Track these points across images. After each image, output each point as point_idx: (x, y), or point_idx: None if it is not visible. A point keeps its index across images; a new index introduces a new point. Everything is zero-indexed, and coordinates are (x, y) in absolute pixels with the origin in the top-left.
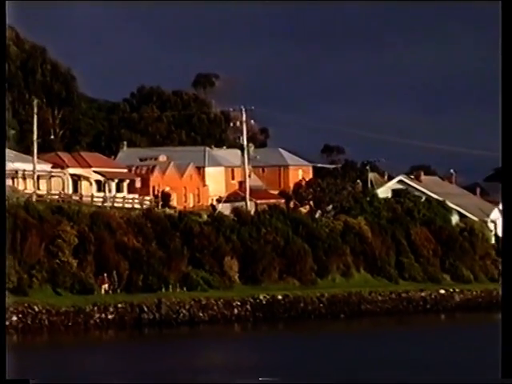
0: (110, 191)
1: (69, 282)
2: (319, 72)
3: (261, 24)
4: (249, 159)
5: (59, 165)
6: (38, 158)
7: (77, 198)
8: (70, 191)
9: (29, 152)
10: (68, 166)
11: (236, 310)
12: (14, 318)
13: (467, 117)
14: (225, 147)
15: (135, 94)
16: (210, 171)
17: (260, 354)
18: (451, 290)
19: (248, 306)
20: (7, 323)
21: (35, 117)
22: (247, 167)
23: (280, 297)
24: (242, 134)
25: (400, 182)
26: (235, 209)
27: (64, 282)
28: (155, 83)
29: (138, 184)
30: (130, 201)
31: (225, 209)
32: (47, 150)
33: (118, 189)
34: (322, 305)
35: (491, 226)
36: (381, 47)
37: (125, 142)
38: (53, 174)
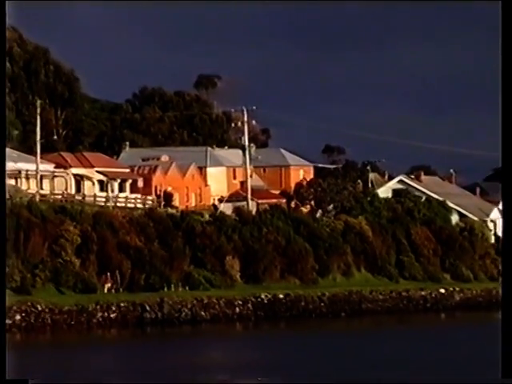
0: (112, 191)
1: (72, 281)
2: (320, 72)
3: (261, 25)
4: (250, 159)
5: (62, 165)
6: (41, 158)
7: (79, 197)
8: (73, 191)
9: (32, 152)
10: (71, 166)
11: (238, 309)
12: (18, 317)
13: (467, 117)
14: (226, 147)
15: (137, 94)
16: (211, 171)
17: (261, 352)
18: (451, 289)
19: (249, 305)
20: (10, 322)
21: (38, 117)
22: (249, 167)
23: (281, 296)
24: (243, 135)
25: (400, 181)
26: (237, 208)
27: (67, 281)
28: (157, 84)
29: (140, 184)
30: (133, 200)
31: (226, 208)
32: (50, 150)
33: (121, 189)
34: (322, 304)
35: (491, 225)
36: (381, 47)
37: (127, 143)
38: (56, 174)
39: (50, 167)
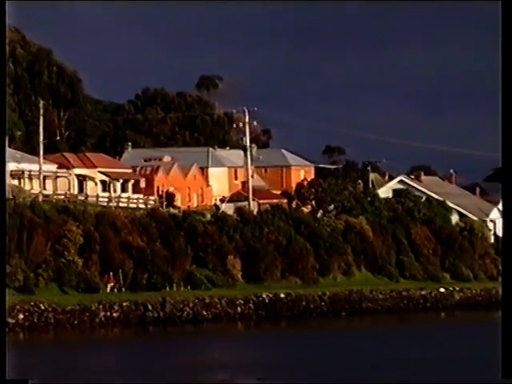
0: (115, 191)
1: (74, 281)
2: (320, 73)
3: (262, 25)
4: (252, 160)
5: (65, 165)
6: (44, 158)
7: (82, 198)
8: (76, 191)
9: (35, 153)
10: (74, 167)
11: (239, 309)
12: (21, 316)
13: (467, 117)
14: (228, 148)
15: (140, 95)
16: (213, 171)
17: (263, 351)
18: (451, 288)
19: (251, 305)
20: (14, 321)
21: (41, 118)
22: (250, 168)
23: (282, 295)
24: (244, 135)
25: (400, 182)
26: (238, 208)
27: (70, 281)
28: (159, 85)
29: (142, 184)
30: (135, 201)
31: (228, 208)
32: (53, 151)
33: (123, 189)
34: (323, 303)
35: (490, 225)
36: (381, 47)
37: (129, 143)
38: (59, 174)
39: (53, 168)
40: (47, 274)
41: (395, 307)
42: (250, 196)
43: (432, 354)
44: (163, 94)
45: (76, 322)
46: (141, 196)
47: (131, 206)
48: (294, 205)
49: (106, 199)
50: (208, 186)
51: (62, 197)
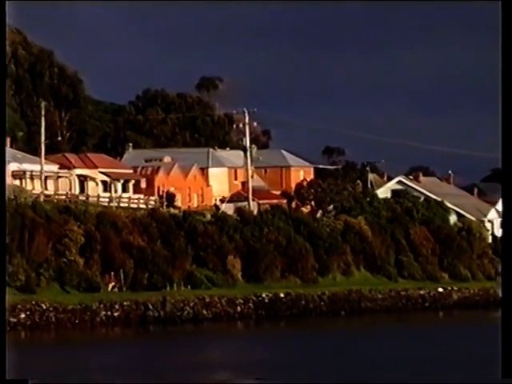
0: (115, 191)
1: (75, 280)
2: (320, 73)
3: (262, 26)
4: (251, 160)
5: (66, 166)
6: (45, 159)
7: (83, 198)
8: (77, 191)
9: (36, 153)
10: (75, 167)
11: (239, 308)
12: (22, 316)
13: (466, 118)
14: (228, 148)
15: (140, 96)
16: (213, 172)
17: (262, 350)
18: (449, 288)
19: (251, 304)
20: (15, 320)
21: (43, 119)
22: (250, 168)
23: (282, 295)
24: (244, 136)
25: (399, 182)
26: (238, 209)
27: (71, 280)
28: (160, 86)
29: (143, 184)
30: (136, 201)
31: (228, 209)
32: (54, 151)
33: (124, 189)
34: (323, 303)
35: (488, 225)
36: (381, 47)
37: (130, 144)
38: (60, 174)
39: (55, 168)
40: (48, 273)
41: (394, 307)
42: (250, 196)
43: (431, 353)
44: (164, 95)
45: (77, 321)
46: (141, 196)
47: (132, 206)
48: (293, 205)
49: (107, 199)
50: (208, 186)
51: (64, 197)
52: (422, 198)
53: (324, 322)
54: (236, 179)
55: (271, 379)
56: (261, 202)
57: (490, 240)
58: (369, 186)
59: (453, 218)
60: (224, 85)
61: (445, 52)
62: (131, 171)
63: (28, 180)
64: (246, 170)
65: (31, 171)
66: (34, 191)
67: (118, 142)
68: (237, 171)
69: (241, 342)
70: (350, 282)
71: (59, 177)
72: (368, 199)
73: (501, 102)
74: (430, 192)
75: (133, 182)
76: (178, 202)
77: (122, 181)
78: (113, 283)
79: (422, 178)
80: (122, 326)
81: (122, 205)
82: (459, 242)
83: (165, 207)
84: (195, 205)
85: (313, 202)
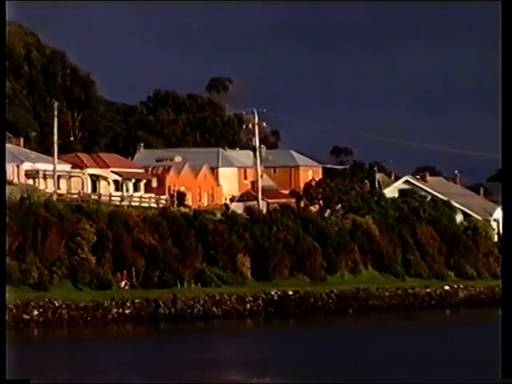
0: (127, 191)
1: (88, 278)
2: (328, 75)
3: (271, 28)
4: (261, 160)
5: (78, 165)
6: (58, 158)
7: (95, 197)
8: (89, 191)
9: (49, 153)
10: (87, 167)
11: (248, 305)
12: (35, 313)
13: (471, 118)
14: (238, 148)
15: (152, 97)
16: (223, 171)
17: (271, 347)
18: (455, 286)
19: (260, 302)
20: (28, 317)
21: (55, 119)
22: (259, 168)
23: (291, 292)
24: (254, 136)
25: (406, 182)
26: (248, 208)
27: (83, 278)
28: (171, 87)
29: (154, 184)
30: (147, 200)
31: (238, 208)
32: (67, 151)
33: (135, 188)
34: (331, 300)
35: (494, 224)
36: (392, 49)
37: (142, 144)
38: (72, 174)
39: (67, 167)
40: (61, 271)
41: (401, 305)
42: (260, 195)
43: (436, 352)
44: (174, 96)
45: (89, 319)
46: (152, 195)
47: (143, 205)
48: (302, 204)
49: (119, 198)
50: (218, 185)
51: (76, 196)
52: (429, 198)
53: (332, 319)
54: (246, 179)
55: (279, 376)
56: (270, 201)
57: (495, 239)
58: (376, 185)
59: (459, 218)
60: (234, 86)
61: (449, 53)
62: (142, 171)
63: (41, 179)
64: (256, 169)
65: (44, 171)
66: (46, 190)
67: (130, 141)
68: (246, 171)
69: (250, 339)
70: (357, 281)
71: (72, 176)
72: (375, 199)
73: (501, 101)
74: (437, 192)
75: (144, 181)
76: (189, 201)
77: (133, 180)
78: (125, 281)
79: (428, 177)
80: (134, 323)
81: (133, 204)
82: (465, 240)
83: (175, 206)
84: (205, 204)
85: (321, 202)
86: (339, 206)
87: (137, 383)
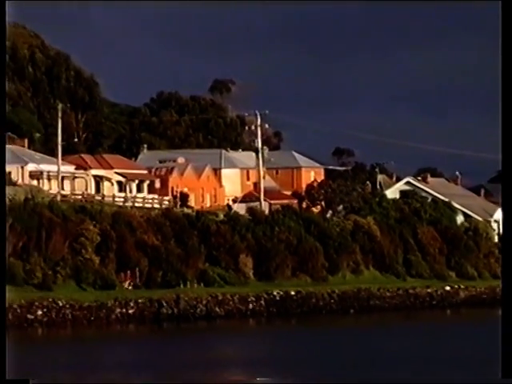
0: (130, 191)
1: (91, 278)
2: (329, 76)
3: (273, 29)
4: (263, 161)
5: (82, 166)
6: (62, 159)
7: (99, 198)
8: (93, 191)
9: (53, 154)
10: (91, 168)
11: (251, 305)
12: (39, 312)
13: (473, 119)
14: (240, 150)
15: (155, 99)
16: (226, 173)
17: (273, 347)
18: (456, 286)
19: (262, 302)
20: (32, 317)
21: (59, 120)
22: (262, 169)
23: (293, 293)
24: (256, 138)
25: (408, 183)
26: (250, 208)
27: (87, 278)
28: (174, 89)
29: (157, 185)
30: (150, 201)
31: (240, 208)
32: (71, 152)
33: (139, 189)
34: (332, 300)
35: (495, 225)
36: (392, 49)
37: (145, 145)
38: (76, 175)
39: (71, 168)
40: (65, 271)
41: (402, 305)
42: (262, 196)
43: (438, 351)
44: (177, 98)
45: (93, 318)
46: (156, 196)
47: (146, 205)
48: (304, 205)
49: (122, 199)
50: (221, 186)
51: (80, 197)
52: (430, 199)
53: (334, 319)
54: (248, 180)
55: (282, 375)
56: (272, 202)
57: (496, 239)
58: (378, 186)
59: (460, 219)
60: (236, 87)
61: (451, 54)
62: (146, 172)
63: (45, 180)
64: (258, 170)
65: (48, 172)
66: (51, 191)
67: (133, 143)
68: (249, 172)
69: (252, 338)
70: (359, 281)
71: (75, 177)
72: (377, 200)
73: (501, 102)
74: (438, 193)
75: (147, 182)
76: (192, 202)
77: (136, 181)
78: (128, 281)
79: (429, 179)
80: (137, 323)
81: (136, 205)
82: (466, 241)
83: (178, 207)
84: (208, 205)
85: (323, 203)
86: (341, 206)
87: (140, 383)
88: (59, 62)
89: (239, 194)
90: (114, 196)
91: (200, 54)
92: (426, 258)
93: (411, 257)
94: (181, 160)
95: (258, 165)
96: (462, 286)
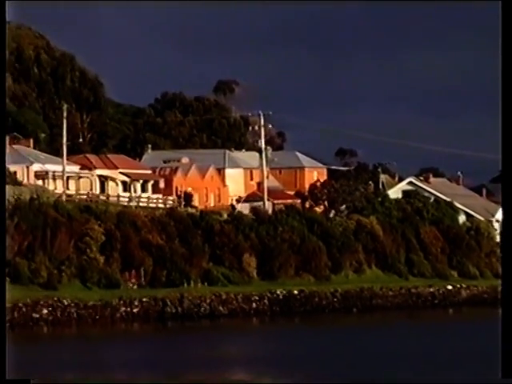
0: (135, 191)
1: (96, 277)
2: (333, 78)
3: (277, 31)
4: (267, 161)
5: (87, 166)
6: (67, 159)
7: (104, 197)
8: (98, 191)
9: (58, 154)
10: (96, 168)
11: (254, 305)
12: (45, 311)
13: (475, 119)
14: (244, 150)
15: (159, 99)
16: (229, 172)
17: (277, 346)
18: (458, 285)
19: (266, 301)
20: (38, 316)
21: (64, 121)
22: (265, 169)
23: (296, 292)
24: (260, 138)
25: (410, 183)
26: (254, 208)
27: (92, 277)
28: (178, 89)
29: (161, 185)
30: (155, 200)
31: (244, 208)
32: (76, 153)
33: (143, 189)
34: (335, 299)
35: (496, 225)
36: (393, 50)
37: (149, 145)
38: (81, 175)
39: (76, 168)
40: (70, 270)
41: (404, 304)
42: (265, 196)
43: (440, 350)
44: (182, 98)
45: (98, 317)
46: (160, 196)
47: (151, 205)
48: (307, 205)
49: (127, 199)
50: (225, 186)
51: (85, 196)
52: (432, 199)
53: (336, 318)
54: (252, 180)
55: (284, 374)
56: (275, 201)
57: (497, 239)
58: (380, 186)
59: (462, 218)
60: (240, 88)
61: (453, 56)
62: (150, 172)
63: (50, 180)
64: (262, 170)
65: (53, 172)
66: (56, 191)
67: (138, 143)
68: (252, 172)
69: (256, 337)
70: (361, 280)
71: (80, 177)
72: (379, 199)
73: (501, 102)
74: (440, 193)
75: (152, 182)
76: (196, 202)
77: (141, 181)
78: (133, 280)
79: (432, 179)
80: (141, 322)
81: (141, 204)
82: (468, 241)
83: (182, 207)
84: (212, 204)
85: (326, 202)
86: (344, 206)
87: (144, 381)
88: (64, 62)
89: (243, 194)
90: (118, 196)
91: (203, 54)
92: (428, 258)
93: (413, 256)
94: (185, 160)
95: (261, 165)
96: (464, 286)
